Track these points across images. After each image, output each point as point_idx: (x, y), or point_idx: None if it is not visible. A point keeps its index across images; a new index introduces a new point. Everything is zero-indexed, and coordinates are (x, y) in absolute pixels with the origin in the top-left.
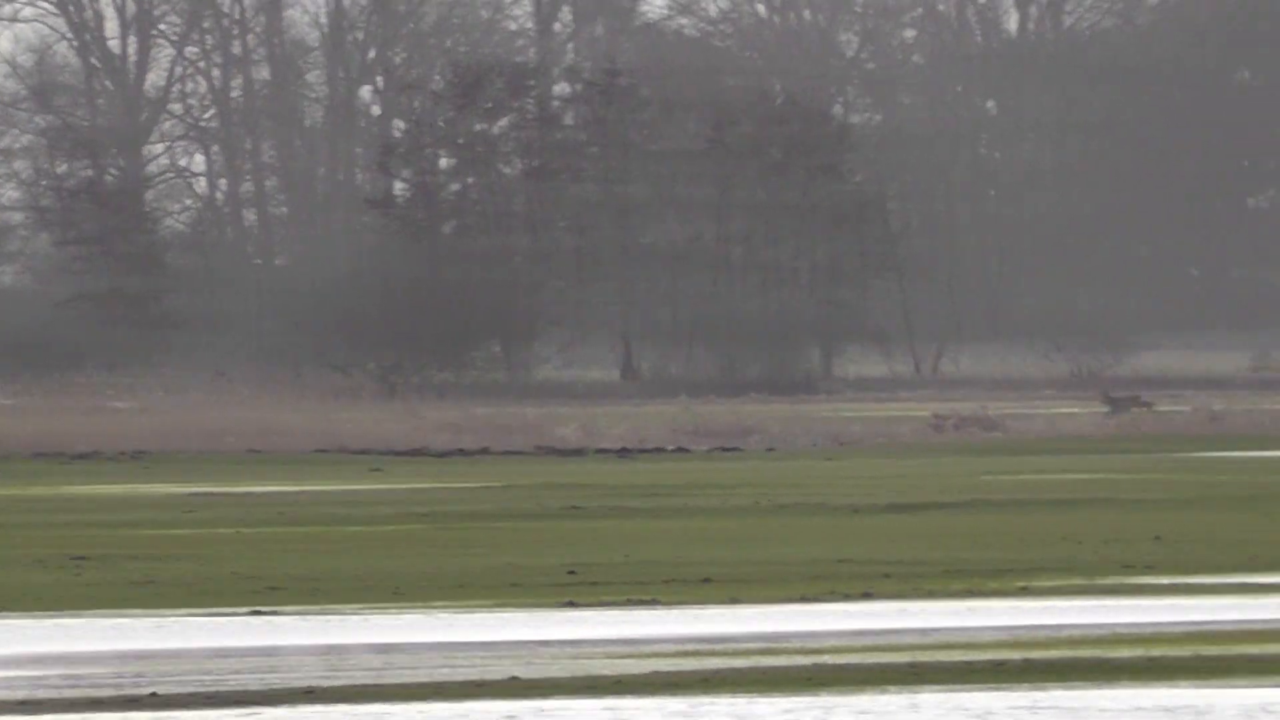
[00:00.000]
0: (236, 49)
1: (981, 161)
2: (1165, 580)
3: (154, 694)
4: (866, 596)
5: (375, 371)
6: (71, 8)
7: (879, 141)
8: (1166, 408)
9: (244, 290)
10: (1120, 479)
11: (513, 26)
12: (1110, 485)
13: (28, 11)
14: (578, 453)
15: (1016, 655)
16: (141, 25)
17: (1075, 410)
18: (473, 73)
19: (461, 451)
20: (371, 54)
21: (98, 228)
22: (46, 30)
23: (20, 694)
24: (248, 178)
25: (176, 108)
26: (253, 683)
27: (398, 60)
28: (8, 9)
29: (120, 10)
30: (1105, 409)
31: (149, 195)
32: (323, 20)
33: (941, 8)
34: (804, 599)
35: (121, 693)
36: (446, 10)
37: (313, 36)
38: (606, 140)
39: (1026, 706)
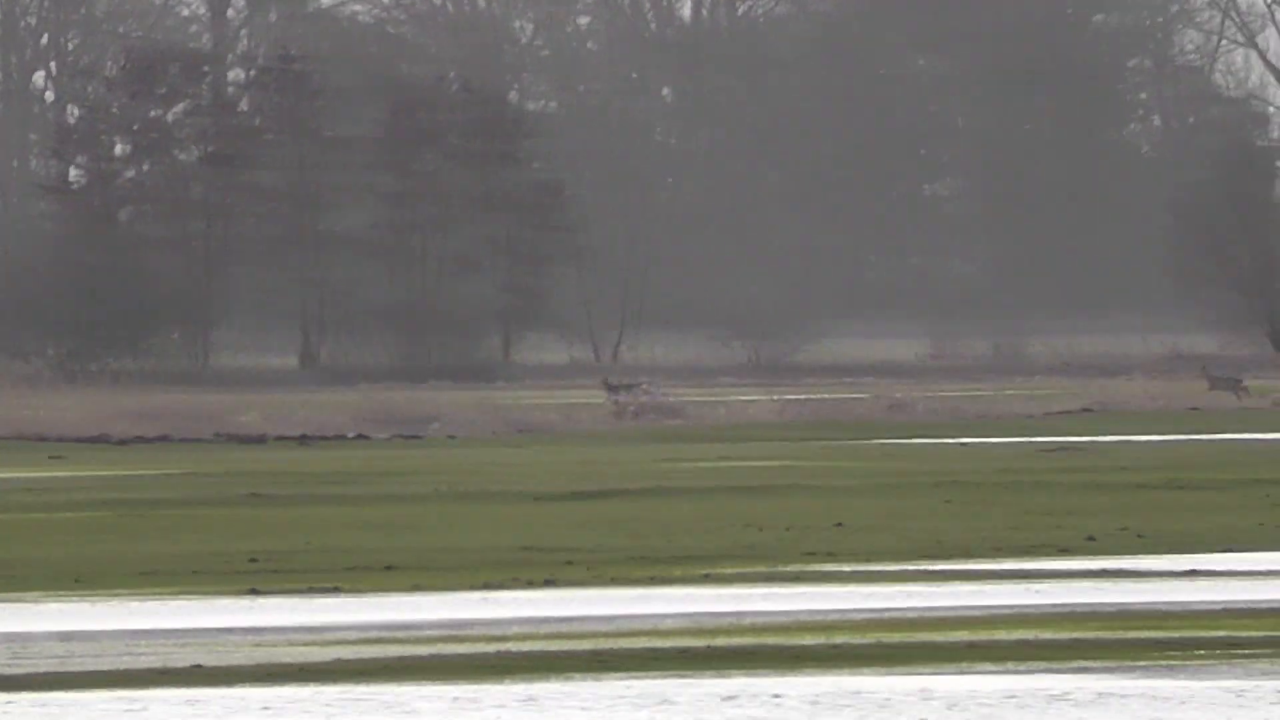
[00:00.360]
0: None
1: (658, 148)
2: (847, 568)
3: None
4: (549, 584)
5: (54, 358)
6: None
7: (556, 128)
8: (844, 395)
9: None
10: (801, 466)
11: (185, 12)
12: (791, 472)
13: None
14: (258, 440)
15: (701, 643)
16: None
17: (755, 397)
18: (147, 59)
19: (142, 439)
20: (45, 40)
21: None
22: None
23: None
24: None
25: None
26: None
27: (71, 46)
28: None
29: None
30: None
31: None
32: None
33: None
34: (487, 586)
35: None
36: None
37: None
38: (283, 127)
39: (710, 694)
